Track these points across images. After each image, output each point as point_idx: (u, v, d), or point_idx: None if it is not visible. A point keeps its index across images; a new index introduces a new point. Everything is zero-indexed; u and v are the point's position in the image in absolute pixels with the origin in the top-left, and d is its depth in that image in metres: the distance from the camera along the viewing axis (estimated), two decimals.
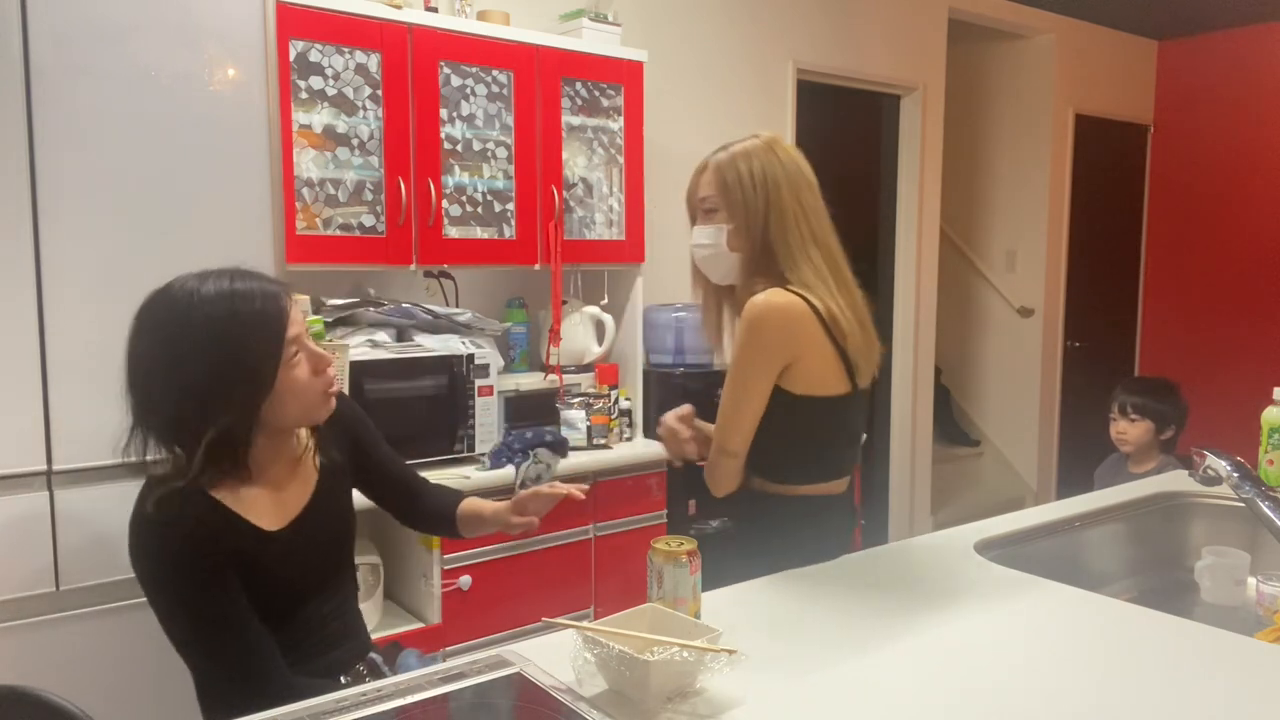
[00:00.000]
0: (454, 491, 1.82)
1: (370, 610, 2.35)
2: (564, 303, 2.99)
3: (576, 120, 2.93)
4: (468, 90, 2.68)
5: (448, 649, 2.45)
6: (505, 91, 2.75)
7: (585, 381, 2.99)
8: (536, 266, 2.84)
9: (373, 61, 2.49)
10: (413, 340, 2.60)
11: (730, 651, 1.07)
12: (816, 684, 1.17)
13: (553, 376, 2.91)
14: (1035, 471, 5.28)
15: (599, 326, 3.04)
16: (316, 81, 2.41)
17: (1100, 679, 1.19)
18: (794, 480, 1.68)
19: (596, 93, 2.96)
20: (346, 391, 2.30)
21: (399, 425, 2.49)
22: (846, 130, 4.54)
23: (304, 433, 1.49)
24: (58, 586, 1.85)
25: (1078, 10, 4.99)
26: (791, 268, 1.61)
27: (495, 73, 2.72)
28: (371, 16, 2.48)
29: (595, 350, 3.03)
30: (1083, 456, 4.07)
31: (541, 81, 2.81)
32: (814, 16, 4.00)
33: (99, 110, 1.85)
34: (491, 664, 1.20)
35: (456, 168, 2.67)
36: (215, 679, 1.38)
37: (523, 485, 2.56)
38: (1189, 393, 2.90)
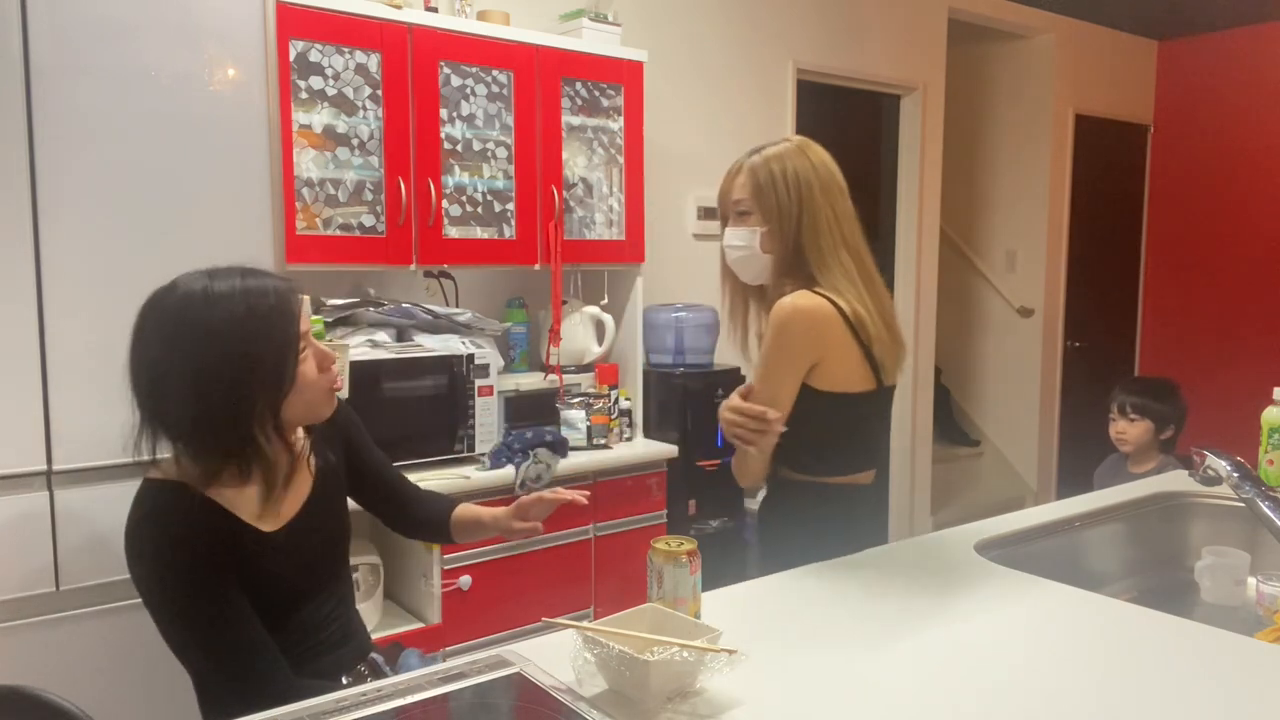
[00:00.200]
0: (445, 498, 1.83)
1: (370, 610, 2.35)
2: (564, 303, 2.99)
3: (576, 120, 2.93)
4: (468, 90, 2.68)
5: (448, 649, 2.45)
6: (505, 91, 2.75)
7: (585, 381, 2.99)
8: (536, 266, 2.84)
9: (373, 61, 2.49)
10: (413, 340, 2.60)
11: (730, 651, 1.07)
12: (816, 684, 1.17)
13: (553, 376, 2.91)
14: (1035, 471, 5.28)
15: (599, 326, 3.04)
16: (316, 81, 2.41)
17: (1100, 679, 1.19)
18: (820, 472, 1.71)
19: (596, 93, 2.96)
20: (348, 391, 2.30)
21: (399, 425, 2.49)
22: (846, 130, 4.53)
23: (300, 433, 1.49)
24: (58, 586, 1.85)
25: (1078, 10, 4.99)
26: (823, 270, 1.64)
27: (495, 73, 2.72)
28: (371, 16, 2.48)
29: (595, 350, 3.03)
30: (1083, 456, 4.06)
31: (541, 81, 2.81)
32: (814, 16, 4.00)
33: (99, 110, 1.85)
34: (491, 664, 1.20)
35: (456, 168, 2.67)
36: (216, 681, 1.37)
37: (523, 485, 2.58)
38: (1189, 393, 2.90)
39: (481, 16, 2.81)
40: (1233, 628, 1.35)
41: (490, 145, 2.74)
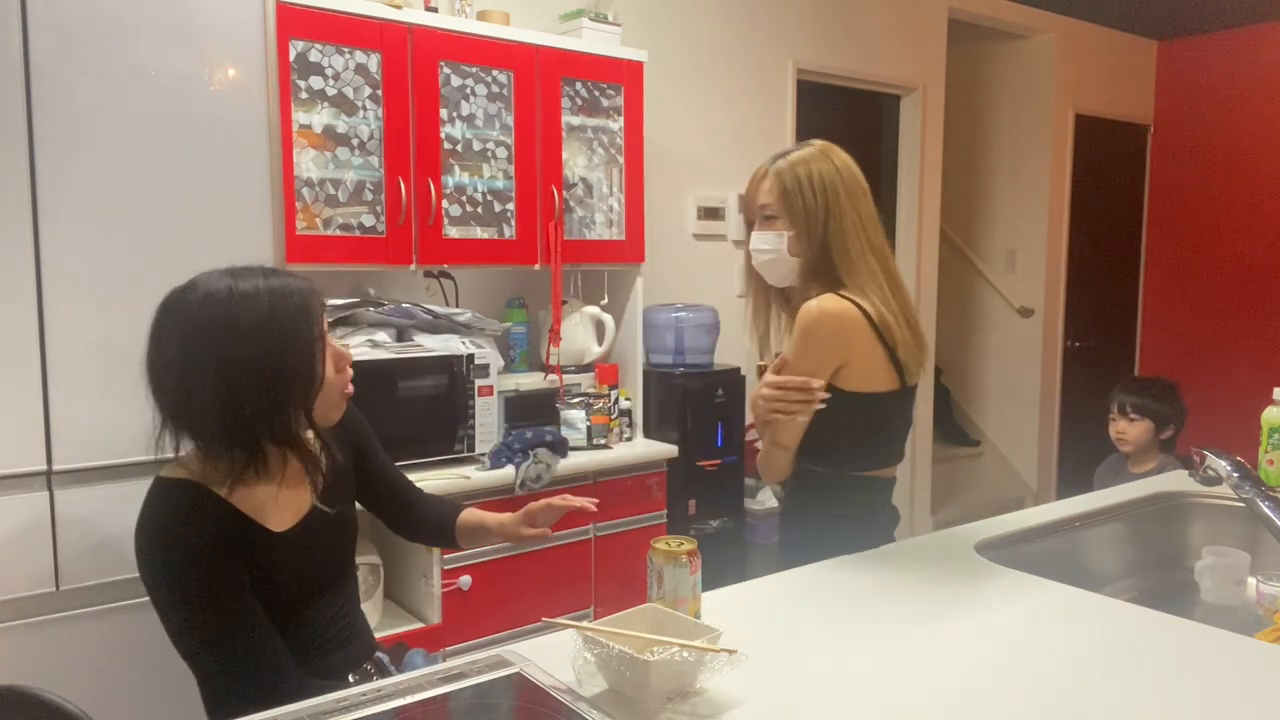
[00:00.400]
0: (450, 502, 1.83)
1: (370, 610, 2.35)
2: (564, 303, 2.99)
3: (576, 120, 2.93)
4: (468, 90, 2.68)
5: (448, 649, 2.45)
6: (505, 91, 2.75)
7: (585, 381, 2.99)
8: (536, 266, 2.84)
9: (373, 61, 2.49)
10: (413, 340, 2.60)
11: (730, 651, 1.07)
12: (816, 684, 1.17)
13: (553, 376, 2.91)
14: (1035, 471, 5.28)
15: (599, 326, 3.04)
16: (316, 81, 2.41)
17: (1100, 679, 1.19)
18: (846, 467, 1.74)
19: (596, 93, 2.96)
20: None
21: (399, 425, 2.49)
22: (846, 130, 4.50)
23: (310, 434, 1.50)
24: (58, 586, 1.85)
25: (1078, 10, 4.99)
26: (850, 273, 1.67)
27: (495, 73, 2.72)
28: (371, 16, 2.48)
29: (595, 350, 3.03)
30: (1083, 456, 4.06)
31: (541, 81, 2.81)
32: (814, 16, 4.00)
33: (99, 110, 1.85)
34: (491, 664, 1.20)
35: (456, 168, 2.67)
36: (224, 681, 1.37)
37: (523, 485, 2.58)
38: (1189, 393, 2.90)
39: (481, 16, 2.81)
40: (1233, 628, 1.35)
41: (490, 145, 2.74)
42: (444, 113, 2.63)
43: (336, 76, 2.44)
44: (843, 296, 1.64)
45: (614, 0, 3.20)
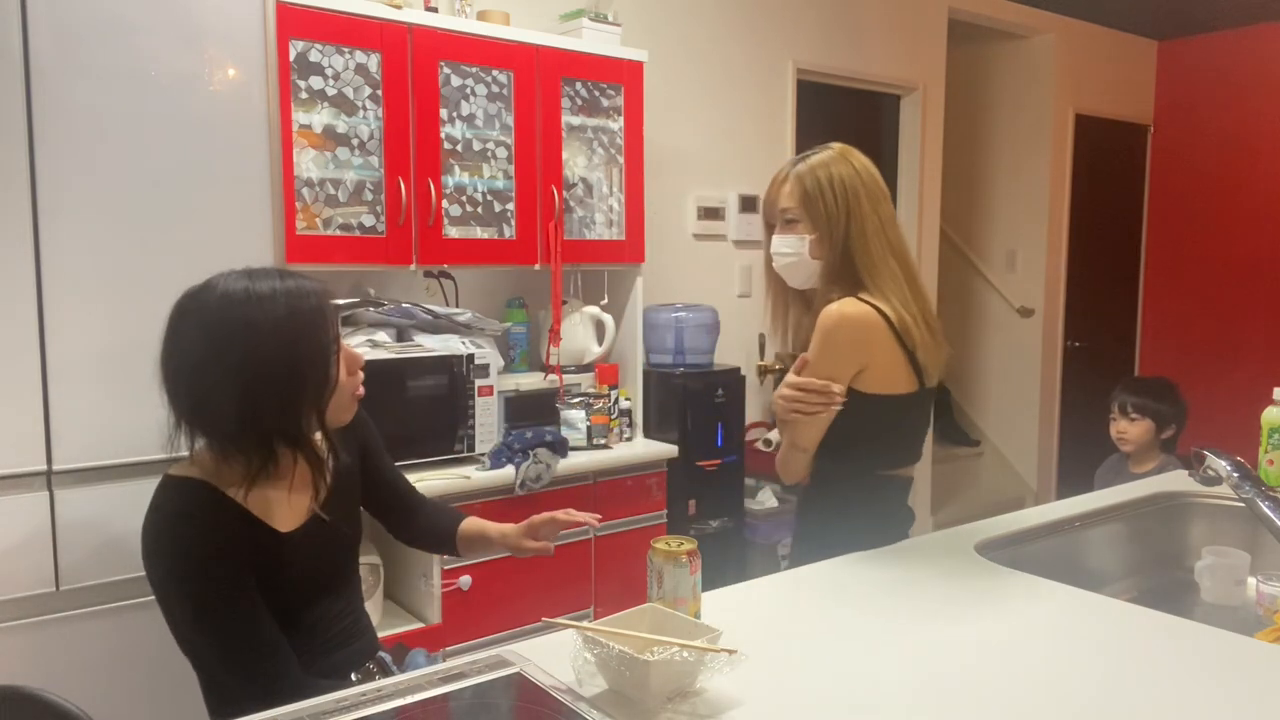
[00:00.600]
0: (453, 511, 1.83)
1: (370, 610, 2.34)
2: (564, 303, 2.99)
3: (576, 120, 2.92)
4: (468, 90, 2.68)
5: (448, 649, 2.45)
6: (505, 91, 2.75)
7: (585, 381, 2.99)
8: (536, 266, 2.84)
9: (373, 61, 2.49)
10: (413, 340, 2.60)
11: (730, 651, 1.07)
12: (816, 684, 1.17)
13: (553, 376, 2.91)
14: (1035, 471, 5.28)
15: (599, 326, 3.04)
16: (316, 81, 2.41)
17: (1100, 679, 1.19)
18: (865, 468, 1.75)
19: (596, 93, 2.96)
20: None
21: (399, 425, 2.49)
22: (846, 130, 4.50)
23: (318, 435, 1.50)
24: (58, 586, 1.85)
25: (1078, 10, 4.99)
26: (871, 275, 1.67)
27: (495, 73, 2.72)
28: (371, 16, 2.48)
29: (595, 350, 3.03)
30: (1083, 456, 4.07)
31: (541, 81, 2.81)
32: (814, 16, 4.00)
33: (99, 110, 1.85)
34: (491, 664, 1.20)
35: (456, 168, 2.67)
36: (228, 680, 1.38)
37: (523, 485, 2.58)
38: (1189, 393, 2.90)
39: (481, 16, 2.81)
40: (1233, 628, 1.35)
41: (490, 145, 2.74)
42: (444, 113, 2.63)
43: (336, 76, 2.44)
44: (863, 300, 1.65)
45: (614, 0, 3.20)
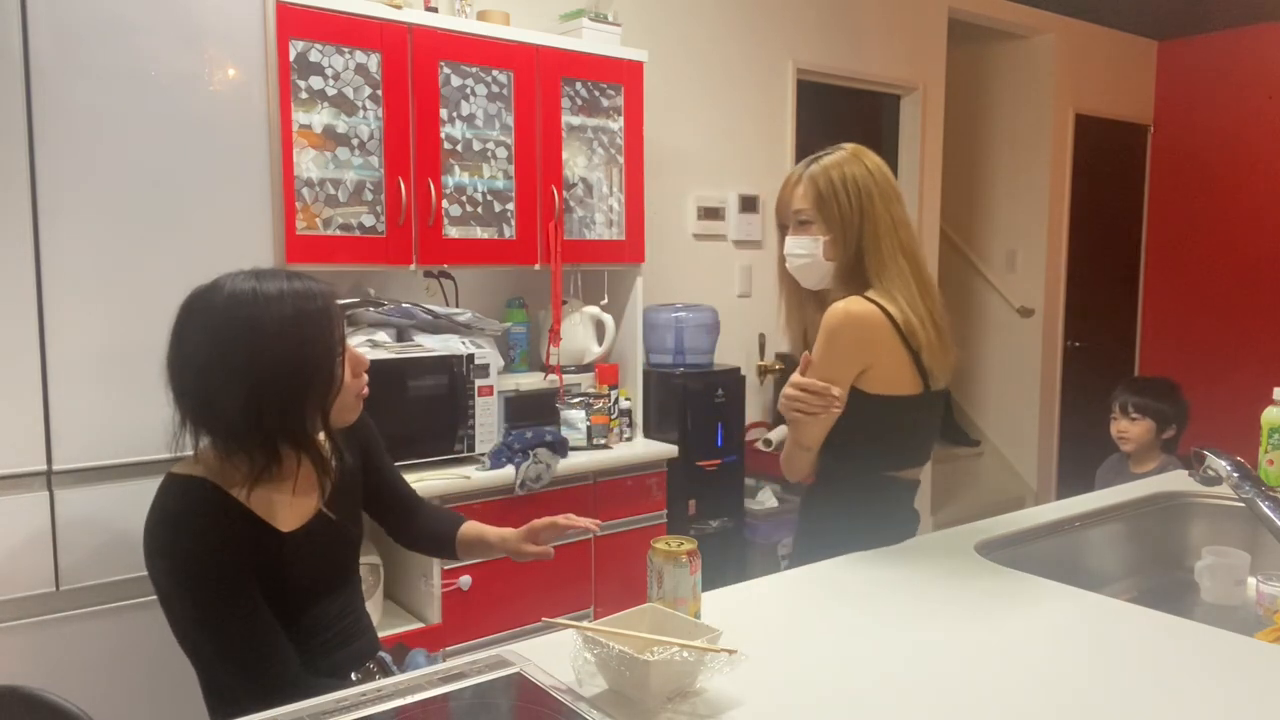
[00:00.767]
0: (452, 514, 1.83)
1: (370, 610, 2.34)
2: (564, 303, 2.99)
3: (576, 120, 2.92)
4: (468, 90, 2.68)
5: (448, 649, 2.45)
6: (505, 91, 2.75)
7: (585, 381, 2.99)
8: (536, 266, 2.84)
9: (373, 61, 2.49)
10: (413, 340, 2.60)
11: (730, 651, 1.07)
12: (816, 684, 1.17)
13: (553, 376, 2.91)
14: (1035, 471, 5.28)
15: (599, 326, 3.04)
16: (316, 81, 2.41)
17: (1100, 679, 1.19)
18: (868, 469, 1.74)
19: (596, 93, 2.96)
20: None
21: (399, 425, 2.49)
22: (846, 130, 4.49)
23: (321, 436, 1.50)
24: (58, 586, 1.85)
25: (1078, 10, 4.99)
26: (880, 275, 1.67)
27: (495, 73, 2.72)
28: (371, 16, 2.47)
29: (595, 350, 3.03)
30: (1083, 456, 4.07)
31: (541, 81, 2.80)
32: (814, 16, 4.00)
33: (99, 110, 1.85)
34: (491, 664, 1.20)
35: (456, 168, 2.67)
36: (229, 680, 1.38)
37: (523, 485, 2.58)
38: (1189, 393, 2.90)
39: (481, 16, 2.81)
40: (1233, 628, 1.35)
41: (490, 145, 2.74)
42: (444, 113, 2.63)
43: (336, 76, 2.44)
44: (868, 299, 1.65)
45: (614, 0, 3.20)
